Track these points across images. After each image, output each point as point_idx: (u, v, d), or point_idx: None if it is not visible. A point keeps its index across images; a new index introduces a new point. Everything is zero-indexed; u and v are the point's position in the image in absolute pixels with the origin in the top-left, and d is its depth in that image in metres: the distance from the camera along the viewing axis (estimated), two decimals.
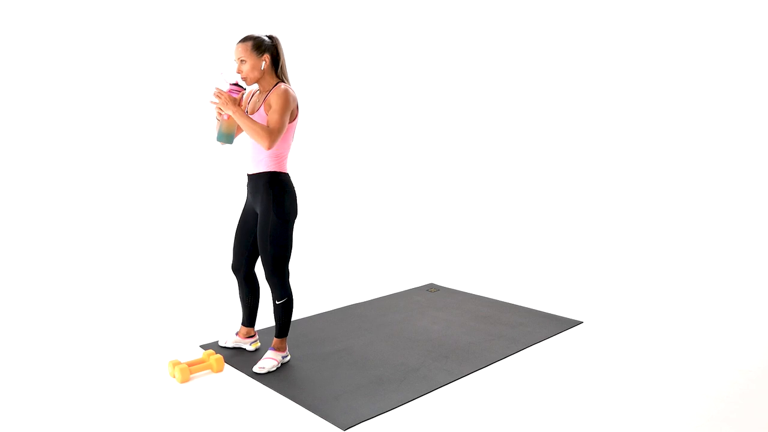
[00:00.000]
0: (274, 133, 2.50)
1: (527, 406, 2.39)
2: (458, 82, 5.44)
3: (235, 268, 2.90)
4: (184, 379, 2.62)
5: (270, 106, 2.54)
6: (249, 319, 2.98)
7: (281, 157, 2.64)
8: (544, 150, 4.99)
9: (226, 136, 2.61)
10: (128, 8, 4.39)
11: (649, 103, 4.54)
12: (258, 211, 2.70)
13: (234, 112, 2.50)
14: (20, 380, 2.73)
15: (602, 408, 2.36)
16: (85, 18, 4.35)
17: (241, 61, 2.56)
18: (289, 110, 2.55)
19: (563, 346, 3.04)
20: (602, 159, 4.72)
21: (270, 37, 2.63)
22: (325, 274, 4.55)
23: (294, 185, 2.88)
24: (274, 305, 2.75)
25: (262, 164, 2.63)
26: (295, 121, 2.66)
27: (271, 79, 2.63)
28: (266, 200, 2.62)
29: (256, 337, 3.04)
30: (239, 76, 2.63)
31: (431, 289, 4.05)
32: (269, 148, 2.51)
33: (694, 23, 4.28)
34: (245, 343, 3.02)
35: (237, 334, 3.03)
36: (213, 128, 4.72)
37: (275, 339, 2.83)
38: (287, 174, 2.70)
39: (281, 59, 2.65)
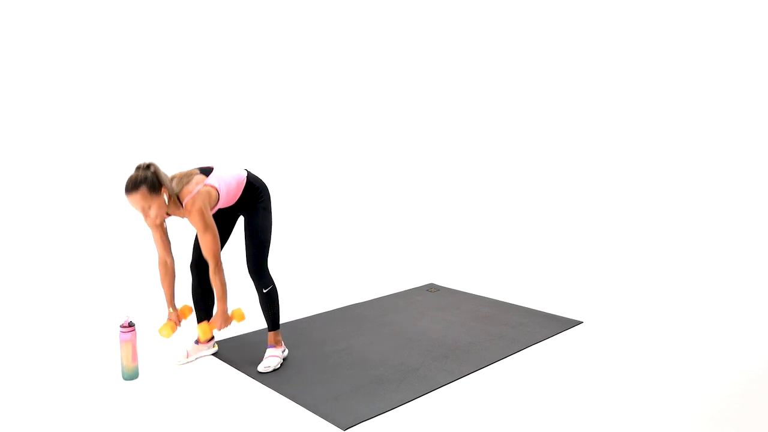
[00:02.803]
0: (217, 252, 2.52)
1: (527, 406, 2.39)
2: (461, 82, 5.44)
3: (201, 265, 2.84)
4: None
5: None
6: (208, 317, 2.91)
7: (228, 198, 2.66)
8: (543, 150, 4.99)
9: None
10: (123, 13, 4.40)
11: (648, 104, 4.55)
12: (240, 211, 2.81)
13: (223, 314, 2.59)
14: (20, 380, 2.73)
15: (602, 408, 2.37)
16: (84, 19, 4.36)
17: (144, 209, 2.42)
18: (208, 210, 2.52)
19: (563, 346, 3.04)
20: (601, 158, 4.72)
21: (147, 167, 2.45)
22: (326, 274, 4.56)
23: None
24: (259, 296, 2.77)
25: (238, 189, 2.69)
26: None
27: (175, 205, 2.51)
28: (251, 203, 2.76)
29: (214, 337, 2.98)
30: (127, 318, 2.67)
31: (431, 289, 4.05)
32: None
33: (692, 23, 4.29)
34: (208, 347, 2.94)
35: (197, 341, 2.91)
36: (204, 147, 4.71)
37: (270, 333, 2.81)
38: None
39: (164, 179, 2.47)
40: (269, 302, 2.76)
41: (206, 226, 2.47)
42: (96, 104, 4.41)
